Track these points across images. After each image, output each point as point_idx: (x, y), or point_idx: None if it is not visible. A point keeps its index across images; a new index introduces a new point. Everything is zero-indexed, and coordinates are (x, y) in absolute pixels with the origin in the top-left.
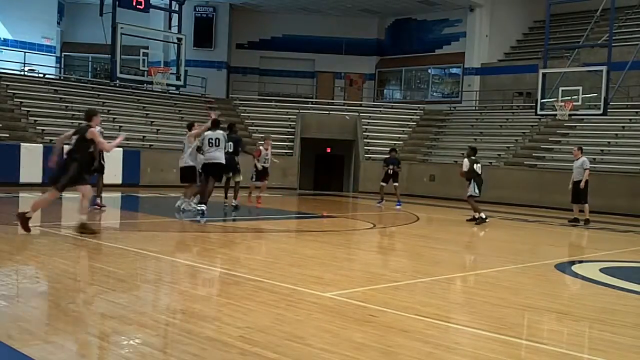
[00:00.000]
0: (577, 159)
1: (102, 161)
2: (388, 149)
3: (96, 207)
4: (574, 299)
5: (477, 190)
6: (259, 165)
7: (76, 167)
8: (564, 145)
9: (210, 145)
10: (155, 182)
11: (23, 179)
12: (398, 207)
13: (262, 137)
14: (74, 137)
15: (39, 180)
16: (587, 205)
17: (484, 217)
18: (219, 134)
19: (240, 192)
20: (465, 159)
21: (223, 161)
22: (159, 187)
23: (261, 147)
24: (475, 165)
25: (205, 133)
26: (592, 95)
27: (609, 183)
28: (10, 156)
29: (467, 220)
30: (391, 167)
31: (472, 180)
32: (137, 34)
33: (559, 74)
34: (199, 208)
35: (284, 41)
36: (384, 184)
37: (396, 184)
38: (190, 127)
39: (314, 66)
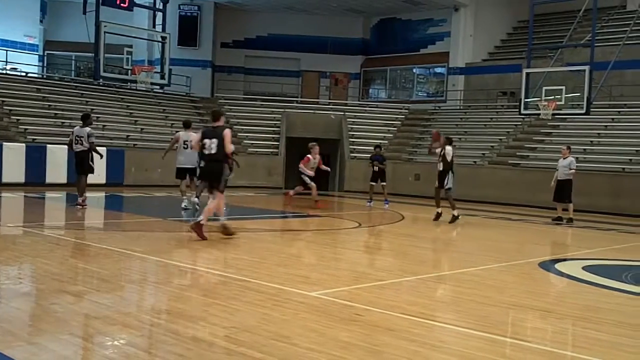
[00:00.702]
0: (564, 158)
1: (92, 162)
2: (373, 148)
3: (78, 205)
4: (558, 297)
5: (438, 183)
6: (308, 172)
7: (225, 167)
8: (547, 145)
9: (185, 147)
10: (139, 182)
11: (5, 178)
12: (386, 206)
13: (310, 144)
14: (211, 141)
15: (22, 179)
16: (571, 204)
17: (456, 214)
18: (192, 135)
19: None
20: (449, 147)
21: (191, 165)
22: (143, 187)
23: (309, 155)
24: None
25: (180, 134)
26: (575, 94)
27: (592, 182)
28: None
29: (450, 222)
30: (376, 163)
31: (449, 172)
32: (121, 32)
33: (543, 74)
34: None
35: (269, 40)
36: (373, 183)
37: (384, 183)
38: (188, 125)
39: (299, 65)
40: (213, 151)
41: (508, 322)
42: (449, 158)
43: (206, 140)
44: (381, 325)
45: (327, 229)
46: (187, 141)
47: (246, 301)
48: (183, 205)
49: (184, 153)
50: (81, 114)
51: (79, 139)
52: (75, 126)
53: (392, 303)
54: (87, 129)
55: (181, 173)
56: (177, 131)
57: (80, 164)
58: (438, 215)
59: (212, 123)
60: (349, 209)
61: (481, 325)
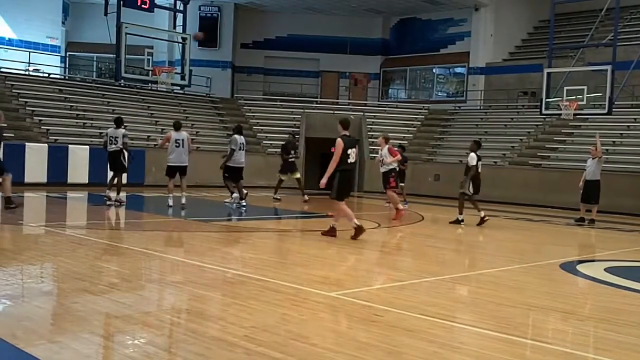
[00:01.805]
0: (593, 158)
1: (124, 161)
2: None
3: (116, 202)
4: (579, 299)
5: (471, 189)
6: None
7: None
8: (568, 145)
9: (177, 146)
10: (160, 182)
11: (28, 178)
12: (405, 206)
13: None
14: (352, 150)
15: (44, 180)
16: (596, 206)
17: (460, 219)
18: (183, 134)
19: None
20: (473, 153)
21: (186, 163)
22: (164, 187)
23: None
24: (478, 162)
25: (171, 133)
26: (597, 94)
27: (614, 183)
28: (15, 156)
29: (450, 222)
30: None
31: (467, 176)
32: (142, 33)
33: (564, 74)
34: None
35: (289, 41)
36: (402, 184)
37: (402, 183)
38: (239, 130)
39: (319, 66)
40: (353, 160)
41: (528, 323)
42: (473, 162)
43: (350, 150)
44: (400, 326)
45: (346, 229)
46: (178, 140)
47: (265, 301)
48: (169, 203)
49: (175, 152)
50: (103, 115)
51: (113, 139)
52: (109, 128)
53: (411, 304)
54: (122, 130)
55: (172, 171)
56: (164, 129)
57: (114, 162)
58: (457, 220)
59: (344, 131)
60: (368, 209)
61: (500, 327)
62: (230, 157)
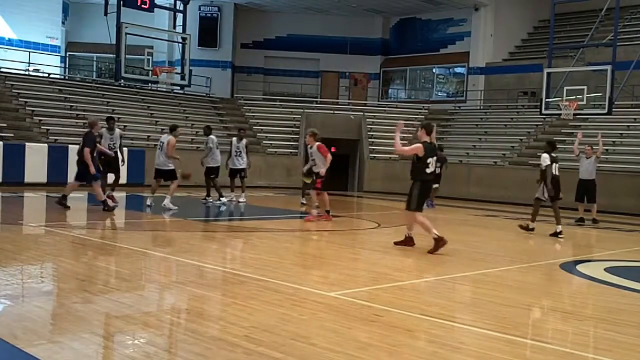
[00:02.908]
0: (588, 158)
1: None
2: (393, 149)
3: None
4: (579, 299)
5: (546, 194)
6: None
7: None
8: (568, 145)
9: (159, 148)
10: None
11: (28, 178)
12: (429, 207)
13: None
14: (433, 159)
15: (44, 179)
16: (595, 205)
17: (531, 227)
18: (164, 138)
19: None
20: (545, 154)
21: (162, 167)
22: (164, 187)
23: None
24: (553, 165)
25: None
26: (597, 94)
27: (614, 183)
28: (15, 156)
29: (520, 226)
30: (438, 165)
31: (543, 181)
32: (142, 33)
33: (564, 74)
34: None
35: (289, 41)
36: (436, 185)
37: (437, 185)
38: (211, 130)
39: (319, 66)
40: (432, 170)
41: (528, 323)
42: (545, 163)
43: (430, 159)
44: (400, 326)
45: (346, 229)
46: (163, 143)
47: (265, 301)
48: (148, 202)
49: (158, 155)
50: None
51: (112, 144)
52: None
53: (411, 304)
54: (118, 130)
55: (156, 174)
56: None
57: (113, 163)
58: (556, 234)
59: (425, 137)
60: (368, 209)
61: (501, 327)
62: (208, 156)
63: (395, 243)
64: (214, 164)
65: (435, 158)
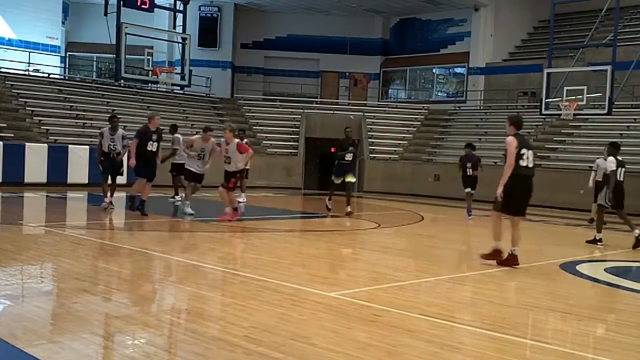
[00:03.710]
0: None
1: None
2: (392, 149)
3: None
4: (579, 299)
5: (608, 201)
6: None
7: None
8: (568, 145)
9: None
10: (159, 182)
11: (28, 178)
12: (469, 217)
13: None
14: (529, 152)
15: (44, 180)
16: (595, 204)
17: (598, 238)
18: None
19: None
20: (612, 157)
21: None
22: (164, 187)
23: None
24: (619, 170)
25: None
26: (597, 94)
27: None
28: (15, 156)
29: (587, 241)
30: (469, 165)
31: (606, 186)
32: (142, 33)
33: (564, 74)
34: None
35: (289, 41)
36: (469, 189)
37: (473, 190)
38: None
39: (319, 66)
40: (529, 164)
41: (528, 323)
42: (612, 167)
43: (525, 150)
44: (400, 326)
45: (346, 229)
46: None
47: (264, 301)
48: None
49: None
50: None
51: (112, 145)
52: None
53: (410, 304)
54: (121, 131)
55: (186, 176)
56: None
57: (119, 166)
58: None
59: (516, 130)
60: (368, 210)
61: (501, 327)
62: (173, 155)
63: (498, 263)
64: (180, 160)
65: (531, 151)
